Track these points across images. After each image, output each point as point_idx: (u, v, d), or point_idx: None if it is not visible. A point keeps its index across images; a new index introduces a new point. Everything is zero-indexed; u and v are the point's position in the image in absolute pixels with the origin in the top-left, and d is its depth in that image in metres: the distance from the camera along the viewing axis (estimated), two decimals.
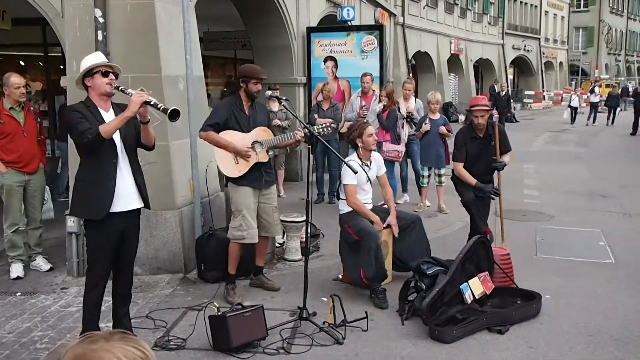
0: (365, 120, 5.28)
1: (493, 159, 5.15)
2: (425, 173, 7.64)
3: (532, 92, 33.32)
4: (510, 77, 33.17)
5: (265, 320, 3.84)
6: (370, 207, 4.89)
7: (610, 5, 46.10)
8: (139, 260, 4.78)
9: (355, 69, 9.16)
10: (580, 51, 44.33)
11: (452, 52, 24.28)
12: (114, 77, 3.52)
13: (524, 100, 32.42)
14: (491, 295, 4.35)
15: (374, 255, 4.48)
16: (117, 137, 3.52)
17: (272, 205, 4.70)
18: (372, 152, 4.95)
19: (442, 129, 7.41)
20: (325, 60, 9.86)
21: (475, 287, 4.24)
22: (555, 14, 39.94)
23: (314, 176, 7.42)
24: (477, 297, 4.22)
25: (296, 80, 9.88)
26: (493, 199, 5.30)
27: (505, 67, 30.83)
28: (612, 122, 22.01)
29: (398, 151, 7.38)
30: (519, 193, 8.68)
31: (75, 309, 4.45)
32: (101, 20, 4.95)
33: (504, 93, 20.09)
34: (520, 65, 35.63)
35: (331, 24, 11.10)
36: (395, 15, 17.51)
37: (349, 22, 11.22)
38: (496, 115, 5.26)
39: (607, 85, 32.06)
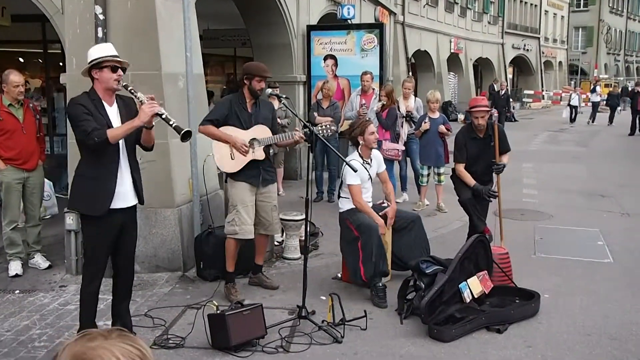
0: (367, 119, 5.27)
1: (492, 161, 5.17)
2: (425, 172, 7.65)
3: (532, 92, 33.34)
4: (510, 76, 33.18)
5: (264, 318, 3.84)
6: (370, 204, 4.89)
7: (610, 5, 46.10)
8: (137, 259, 4.78)
9: (355, 68, 9.15)
10: (580, 51, 44.36)
11: (452, 51, 24.28)
12: (122, 74, 3.49)
13: (523, 99, 32.44)
14: (490, 295, 4.35)
15: (374, 250, 4.49)
16: None
17: (271, 204, 4.70)
18: (372, 149, 4.95)
19: (442, 128, 7.41)
20: (325, 59, 9.85)
21: (474, 286, 4.24)
22: (555, 14, 39.95)
23: (313, 175, 7.43)
24: (475, 296, 4.23)
25: (296, 79, 9.88)
26: (490, 200, 5.31)
27: (505, 66, 30.84)
28: (612, 122, 22.01)
29: (397, 150, 7.39)
30: (517, 192, 8.69)
31: (73, 306, 4.44)
32: (101, 17, 4.94)
33: (503, 92, 20.10)
34: (520, 65, 35.65)
35: (331, 22, 11.08)
36: (395, 13, 17.49)
37: (349, 21, 11.21)
38: (496, 115, 5.25)
39: (606, 85, 32.10)
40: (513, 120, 22.71)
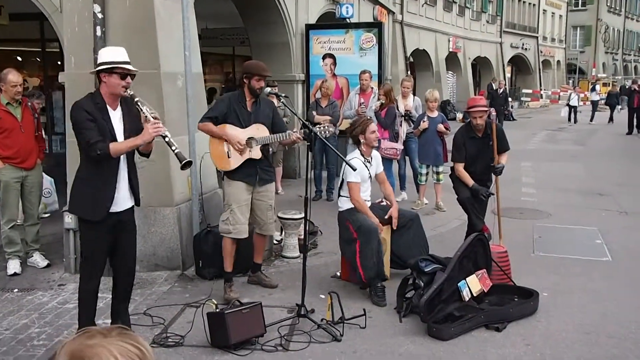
0: (368, 117, 5.27)
1: (491, 165, 5.19)
2: (424, 171, 7.65)
3: (530, 91, 33.37)
4: (508, 75, 33.21)
5: (263, 317, 3.84)
6: (369, 203, 4.89)
7: (608, 5, 46.16)
8: (136, 257, 4.77)
9: (353, 67, 9.14)
10: (578, 50, 44.41)
11: (450, 50, 24.29)
12: (130, 81, 3.47)
13: (522, 98, 32.46)
14: (489, 293, 4.36)
15: (374, 253, 4.48)
16: (120, 137, 3.51)
17: (267, 204, 4.68)
18: (373, 149, 4.96)
19: (440, 126, 7.42)
20: (323, 58, 9.84)
21: (473, 284, 4.24)
22: (553, 13, 39.98)
23: (312, 173, 7.42)
24: (474, 295, 4.23)
25: (295, 78, 9.87)
26: (484, 198, 5.32)
27: (503, 65, 30.86)
28: (612, 121, 22.03)
29: (396, 149, 7.39)
30: (516, 191, 8.70)
31: (72, 305, 4.44)
32: (100, 16, 4.93)
33: (501, 91, 20.09)
34: (518, 64, 35.67)
35: (330, 21, 11.08)
36: (393, 12, 17.49)
37: (347, 20, 11.20)
38: (494, 114, 5.25)
39: (604, 84, 32.13)
40: (511, 119, 22.72)
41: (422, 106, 7.95)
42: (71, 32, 5.18)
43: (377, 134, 5.00)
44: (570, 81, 41.68)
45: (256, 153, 4.51)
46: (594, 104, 23.51)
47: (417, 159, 7.74)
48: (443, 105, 20.29)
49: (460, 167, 5.31)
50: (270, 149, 5.16)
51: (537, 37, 35.87)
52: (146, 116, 3.40)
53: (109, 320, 3.95)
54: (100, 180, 3.48)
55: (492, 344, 3.82)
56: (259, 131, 4.52)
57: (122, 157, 3.53)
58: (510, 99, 25.45)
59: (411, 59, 20.36)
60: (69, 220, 5.02)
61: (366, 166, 4.86)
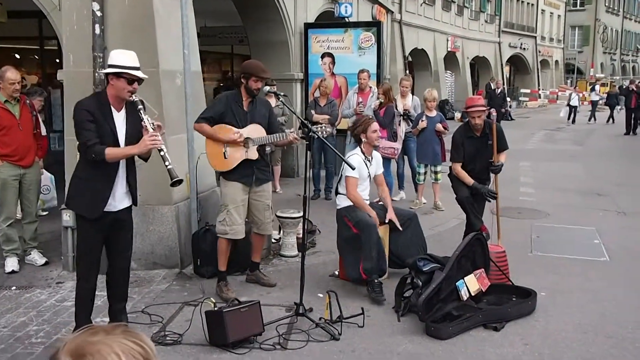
0: (369, 117, 5.27)
1: (490, 161, 5.19)
2: (422, 170, 7.65)
3: (528, 90, 33.40)
4: (507, 75, 33.23)
5: (261, 316, 3.84)
6: (367, 202, 4.89)
7: (606, 5, 46.22)
8: (134, 255, 4.76)
9: (352, 66, 9.13)
10: (576, 50, 44.49)
11: (449, 49, 24.29)
12: (137, 87, 3.49)
13: (520, 98, 32.49)
14: (487, 292, 4.36)
15: (374, 247, 4.49)
16: (121, 139, 3.53)
17: (264, 203, 4.66)
18: (373, 149, 4.96)
19: (439, 126, 7.42)
20: (322, 57, 9.83)
21: (471, 284, 4.25)
22: (551, 13, 40.02)
23: (311, 172, 7.42)
24: (473, 294, 4.24)
25: (293, 76, 9.86)
26: (489, 200, 5.33)
27: (502, 65, 30.87)
28: (612, 121, 22.05)
29: (394, 148, 7.38)
30: (514, 191, 8.71)
31: (70, 303, 4.43)
32: (99, 13, 4.92)
33: (499, 91, 20.13)
34: (517, 64, 35.71)
35: (329, 20, 11.08)
36: (392, 12, 17.49)
37: (346, 19, 11.20)
38: (494, 114, 5.25)
39: (603, 84, 32.18)
40: (510, 119, 22.74)
41: (420, 105, 7.95)
42: (70, 30, 5.17)
43: (379, 133, 5.01)
44: (569, 81, 41.74)
45: (253, 153, 4.49)
46: (594, 104, 23.54)
47: (416, 158, 7.74)
48: (441, 104, 20.30)
49: (457, 166, 5.31)
50: (269, 148, 5.17)
51: (535, 37, 35.90)
52: (146, 126, 3.41)
53: (107, 319, 3.95)
54: (98, 180, 3.50)
55: (490, 343, 3.82)
56: (256, 131, 4.49)
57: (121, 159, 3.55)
58: (508, 99, 25.50)
59: (410, 58, 20.36)
60: (67, 218, 5.02)
61: (366, 164, 4.86)
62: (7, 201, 5.17)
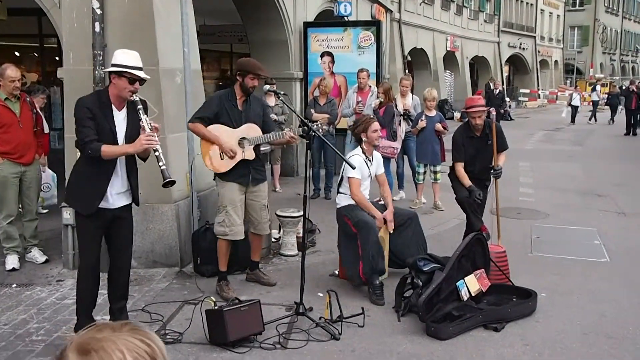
0: (370, 116, 5.27)
1: (490, 167, 5.19)
2: (421, 170, 7.65)
3: (527, 91, 33.41)
4: (506, 75, 33.23)
5: (262, 315, 3.84)
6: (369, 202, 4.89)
7: (606, 5, 46.24)
8: (134, 254, 4.76)
9: (352, 65, 9.14)
10: (576, 50, 44.52)
11: (448, 49, 24.29)
12: (138, 87, 3.50)
13: (519, 98, 32.51)
14: (487, 293, 4.36)
15: (373, 247, 4.49)
16: (120, 137, 3.55)
17: (261, 203, 4.64)
18: (374, 148, 4.96)
19: (438, 126, 7.42)
20: (322, 56, 9.83)
21: (472, 284, 4.25)
22: (550, 13, 40.04)
23: (310, 171, 7.42)
24: (473, 294, 4.24)
25: (293, 75, 9.86)
26: (477, 201, 5.32)
27: (501, 64, 30.88)
28: (613, 121, 22.06)
29: (393, 148, 7.38)
30: (514, 191, 8.71)
31: (71, 301, 4.43)
32: (99, 11, 4.91)
33: (497, 91, 20.13)
34: (516, 63, 35.72)
35: (328, 19, 11.07)
36: (391, 11, 17.48)
37: (345, 18, 11.20)
38: (494, 113, 5.23)
39: (603, 85, 32.18)
40: (509, 119, 22.74)
41: (420, 105, 7.95)
42: (70, 28, 5.16)
43: (380, 132, 5.00)
44: (568, 81, 41.76)
45: (249, 154, 4.46)
46: (595, 104, 23.54)
47: (415, 158, 7.74)
48: (441, 104, 20.30)
49: (460, 167, 5.31)
50: (268, 147, 5.16)
51: (534, 37, 35.91)
52: (143, 126, 3.43)
53: (108, 317, 3.95)
54: (95, 176, 3.53)
55: (490, 343, 3.83)
56: (252, 131, 4.46)
57: (119, 157, 3.56)
58: (508, 99, 25.50)
59: (409, 58, 20.36)
60: (68, 215, 5.01)
61: (367, 164, 4.86)
62: (7, 199, 5.16)
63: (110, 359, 0.96)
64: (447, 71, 24.76)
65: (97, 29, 4.93)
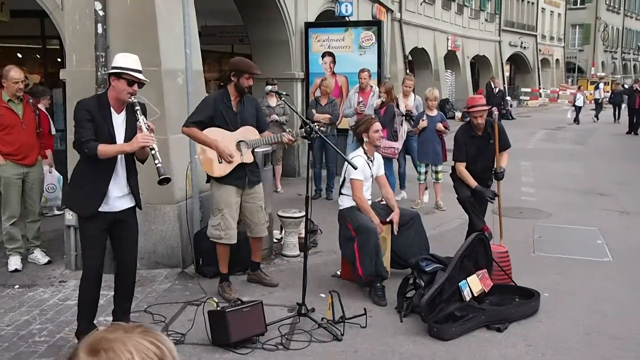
0: (372, 117, 5.26)
1: (492, 169, 5.18)
2: (422, 170, 7.64)
3: (529, 89, 33.37)
4: (507, 74, 33.18)
5: (264, 316, 3.85)
6: (369, 202, 4.89)
7: (607, 3, 46.16)
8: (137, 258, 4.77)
9: (353, 65, 9.13)
10: (577, 48, 44.41)
11: (449, 48, 24.27)
12: (137, 89, 3.53)
13: (521, 97, 32.47)
14: (490, 293, 4.36)
15: (373, 252, 4.49)
16: (119, 140, 3.56)
17: (257, 205, 4.60)
18: (376, 148, 4.96)
19: (440, 125, 7.41)
20: (323, 56, 9.83)
21: (474, 284, 4.25)
22: (552, 11, 39.98)
23: (312, 172, 7.42)
24: (475, 295, 4.24)
25: (294, 76, 9.86)
26: (491, 202, 5.33)
27: (502, 63, 30.84)
28: (618, 119, 22.01)
29: (394, 148, 7.36)
30: (516, 190, 8.69)
31: (73, 302, 4.43)
32: (101, 13, 4.92)
33: (497, 90, 20.08)
34: (517, 62, 35.67)
35: (329, 19, 11.07)
36: (392, 11, 17.47)
37: (347, 18, 11.19)
38: (496, 112, 5.23)
39: (605, 84, 32.13)
40: (510, 118, 22.70)
41: (423, 105, 7.94)
42: (72, 30, 5.17)
43: (381, 132, 5.00)
44: (569, 80, 41.68)
45: (248, 157, 4.43)
46: (597, 103, 23.48)
47: (417, 158, 7.73)
48: (442, 104, 20.27)
49: (462, 166, 5.31)
50: (270, 148, 5.15)
51: (535, 36, 35.86)
52: (140, 126, 3.47)
53: (110, 318, 3.96)
54: (95, 178, 3.54)
55: (493, 344, 3.82)
56: (249, 133, 4.43)
57: (119, 158, 3.57)
58: (509, 98, 25.45)
59: (410, 58, 20.36)
60: (70, 217, 5.02)
61: (368, 165, 4.86)
62: (10, 200, 5.18)
63: (119, 359, 0.97)
64: (448, 70, 24.74)
65: (100, 30, 4.94)
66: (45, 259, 5.36)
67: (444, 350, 3.73)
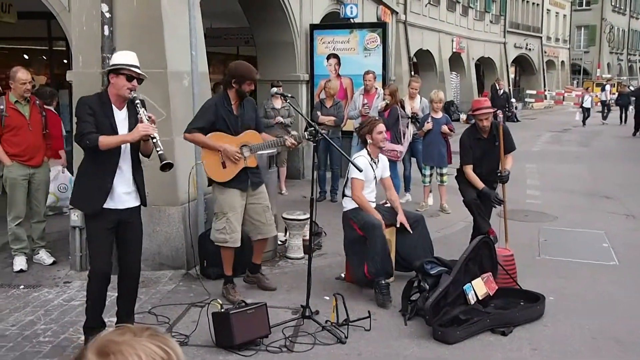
0: (376, 118, 5.25)
1: (497, 172, 5.16)
2: (427, 172, 7.63)
3: (534, 92, 33.28)
4: (512, 75, 33.10)
5: (268, 318, 3.85)
6: (373, 205, 4.89)
7: (613, 4, 46.00)
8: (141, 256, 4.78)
9: (358, 67, 9.13)
10: (582, 50, 44.28)
11: (454, 50, 24.24)
12: (136, 84, 3.56)
13: (526, 99, 32.38)
14: (494, 296, 4.34)
15: (379, 248, 4.48)
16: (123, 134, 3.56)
17: (263, 205, 4.58)
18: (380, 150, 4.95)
19: (445, 128, 7.39)
20: (328, 58, 9.83)
21: (479, 287, 4.24)
22: (557, 13, 39.88)
23: (316, 174, 7.41)
24: (480, 298, 4.22)
25: (299, 78, 9.86)
26: (495, 207, 5.31)
27: (507, 65, 30.77)
28: (625, 121, 21.94)
29: (396, 151, 7.32)
30: (521, 193, 8.67)
31: (78, 302, 4.46)
32: (108, 15, 4.94)
33: (501, 92, 20.02)
34: (522, 64, 35.59)
35: (334, 21, 11.07)
36: (397, 12, 17.46)
37: (351, 20, 11.20)
38: (501, 115, 5.24)
39: (612, 85, 32.00)
40: (515, 120, 22.63)
41: (428, 107, 7.93)
42: (79, 31, 5.19)
43: (385, 134, 4.99)
44: (575, 82, 41.54)
45: (252, 161, 4.43)
46: (604, 104, 23.38)
47: (422, 160, 7.72)
48: (447, 106, 20.21)
49: (468, 169, 5.29)
50: (275, 150, 5.14)
51: (540, 37, 35.77)
52: (141, 117, 3.50)
53: (115, 319, 3.96)
54: (99, 174, 3.56)
55: (498, 348, 3.81)
56: (252, 138, 4.43)
57: (122, 154, 3.59)
58: (513, 100, 25.37)
59: (414, 59, 20.34)
60: (75, 217, 5.04)
61: (372, 166, 4.85)
62: (16, 201, 5.20)
63: None
64: (453, 72, 24.70)
65: (106, 32, 4.96)
66: (51, 260, 5.38)
67: (448, 353, 3.72)
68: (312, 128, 4.18)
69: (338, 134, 7.98)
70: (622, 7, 48.19)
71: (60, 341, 3.87)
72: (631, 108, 21.31)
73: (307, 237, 5.03)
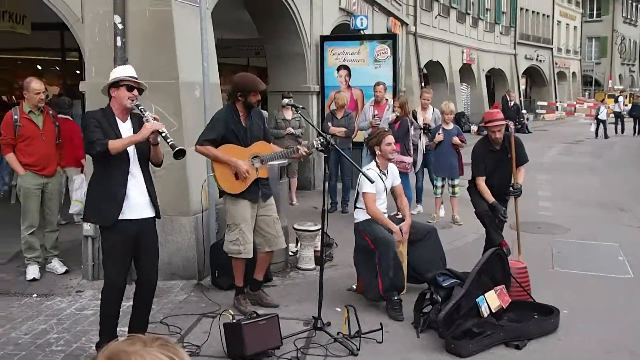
0: (385, 129, 5.24)
1: (510, 186, 5.12)
2: (439, 183, 7.60)
3: (545, 103, 33.11)
4: (523, 87, 32.99)
5: (280, 329, 3.83)
6: (385, 216, 4.86)
7: (624, 15, 45.83)
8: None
9: (368, 78, 9.15)
10: (594, 61, 44.04)
11: (464, 61, 24.23)
12: (137, 94, 3.62)
13: (537, 111, 32.23)
14: (508, 309, 4.29)
15: (391, 263, 4.46)
16: (129, 149, 3.59)
17: (273, 217, 4.57)
18: (389, 161, 4.94)
19: (456, 139, 7.37)
20: (338, 69, 9.86)
21: (492, 300, 4.19)
22: (567, 24, 39.78)
23: (327, 185, 7.40)
24: (493, 311, 4.17)
25: (309, 89, 9.89)
26: (503, 221, 5.26)
27: (518, 77, 30.69)
28: (638, 133, 21.74)
29: (405, 163, 7.29)
30: (533, 205, 8.59)
31: (90, 312, 4.47)
32: (120, 26, 4.99)
33: (512, 104, 19.95)
34: (533, 76, 35.47)
35: (344, 33, 11.12)
36: (407, 24, 17.52)
37: (362, 31, 11.24)
38: (512, 127, 5.22)
39: (625, 97, 31.76)
40: (527, 131, 22.51)
41: (440, 118, 7.91)
42: (92, 42, 5.25)
43: (394, 146, 4.97)
44: (587, 93, 41.32)
45: (263, 172, 4.43)
46: (618, 116, 23.23)
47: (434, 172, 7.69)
48: (457, 117, 20.17)
49: (481, 181, 5.26)
50: (286, 161, 5.14)
51: (551, 49, 35.67)
52: (147, 118, 3.55)
53: (126, 328, 3.96)
54: (110, 186, 3.56)
55: None
56: (263, 148, 4.44)
57: (132, 163, 3.61)
58: (525, 112, 25.26)
59: (425, 71, 20.35)
60: (88, 227, 5.06)
61: (381, 178, 4.83)
62: (29, 210, 5.24)
63: None
64: (464, 84, 24.67)
65: (119, 43, 5.01)
66: (63, 269, 5.40)
67: None
68: (323, 139, 4.18)
69: (349, 145, 7.98)
70: (634, 19, 48.01)
71: (73, 350, 3.88)
72: None
73: (319, 248, 5.02)
